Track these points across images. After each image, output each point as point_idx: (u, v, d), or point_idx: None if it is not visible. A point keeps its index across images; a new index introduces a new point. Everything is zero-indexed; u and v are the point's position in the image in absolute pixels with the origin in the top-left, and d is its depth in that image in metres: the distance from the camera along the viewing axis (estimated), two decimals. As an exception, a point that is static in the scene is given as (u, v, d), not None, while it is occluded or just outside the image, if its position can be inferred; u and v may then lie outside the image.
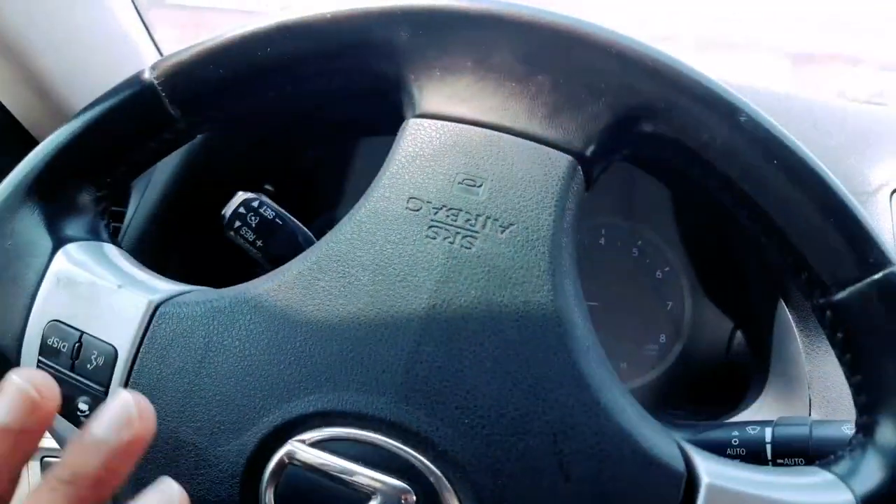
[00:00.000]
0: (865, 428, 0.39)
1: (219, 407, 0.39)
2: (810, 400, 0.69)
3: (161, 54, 1.01)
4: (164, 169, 0.73)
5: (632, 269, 0.90)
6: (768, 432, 0.56)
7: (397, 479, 0.36)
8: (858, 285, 0.38)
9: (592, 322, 0.83)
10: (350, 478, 0.36)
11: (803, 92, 0.78)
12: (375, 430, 0.37)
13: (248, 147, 0.78)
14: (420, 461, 0.37)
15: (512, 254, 0.39)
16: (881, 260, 0.38)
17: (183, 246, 0.75)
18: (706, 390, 0.85)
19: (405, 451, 0.37)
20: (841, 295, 0.38)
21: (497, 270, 0.39)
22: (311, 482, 0.37)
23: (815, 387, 0.68)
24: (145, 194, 0.73)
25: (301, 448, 0.37)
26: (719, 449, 0.56)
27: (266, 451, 0.38)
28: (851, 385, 0.40)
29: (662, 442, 0.38)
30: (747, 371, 0.80)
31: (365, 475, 0.36)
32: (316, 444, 0.37)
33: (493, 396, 0.37)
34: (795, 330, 0.69)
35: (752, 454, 0.55)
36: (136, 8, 0.94)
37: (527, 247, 0.39)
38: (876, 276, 0.37)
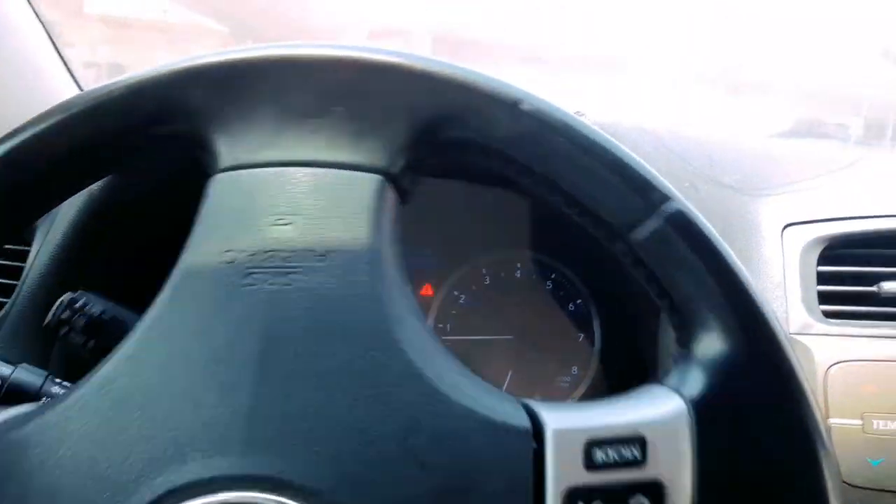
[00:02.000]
0: (682, 342, 0.43)
1: None
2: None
3: (79, 87, 1.01)
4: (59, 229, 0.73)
5: (546, 302, 0.93)
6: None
7: None
8: (648, 223, 0.42)
9: (507, 355, 0.85)
10: None
11: (699, 129, 0.81)
12: (229, 489, 0.37)
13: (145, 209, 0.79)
14: (281, 502, 0.37)
15: (334, 280, 0.40)
16: (660, 197, 0.42)
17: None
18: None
19: (265, 498, 0.37)
20: (635, 235, 0.42)
21: (322, 299, 0.40)
22: None
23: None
24: (40, 251, 0.73)
25: None
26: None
27: None
28: (662, 307, 0.44)
29: (504, 405, 0.40)
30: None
31: None
32: None
33: (338, 416, 0.38)
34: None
35: None
36: (50, 39, 0.93)
37: (346, 268, 0.40)
38: (658, 211, 0.41)
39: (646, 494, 0.38)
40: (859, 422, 0.64)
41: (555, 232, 0.91)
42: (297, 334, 0.39)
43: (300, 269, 0.40)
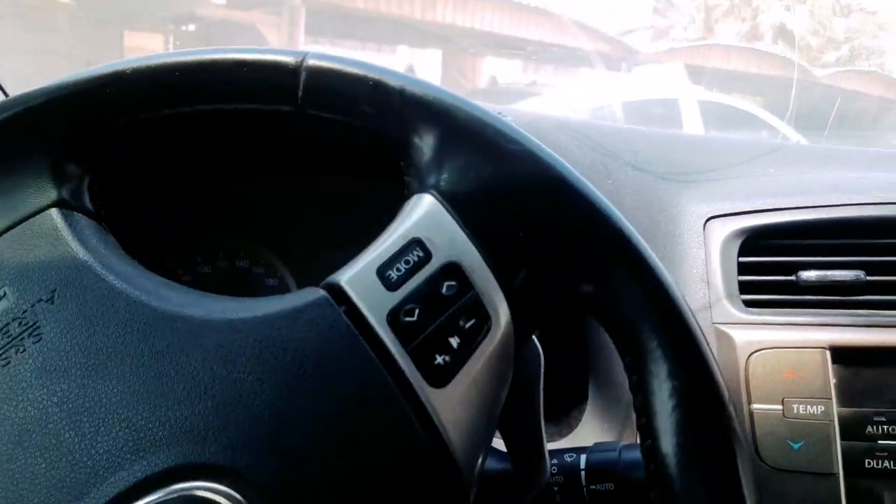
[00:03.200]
0: None
1: None
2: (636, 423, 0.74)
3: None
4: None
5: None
6: (583, 459, 0.61)
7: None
8: None
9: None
10: None
11: (624, 123, 0.84)
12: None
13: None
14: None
15: None
16: None
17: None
18: (552, 411, 0.90)
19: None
20: None
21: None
22: None
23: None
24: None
25: None
26: (541, 477, 0.61)
27: None
28: None
29: (302, 297, 0.42)
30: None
31: None
32: None
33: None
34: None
35: (570, 480, 0.60)
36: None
37: None
38: None
39: (449, 279, 0.41)
40: (780, 407, 0.68)
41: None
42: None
43: None
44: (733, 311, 0.72)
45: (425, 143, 0.45)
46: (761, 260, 0.75)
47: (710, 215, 0.77)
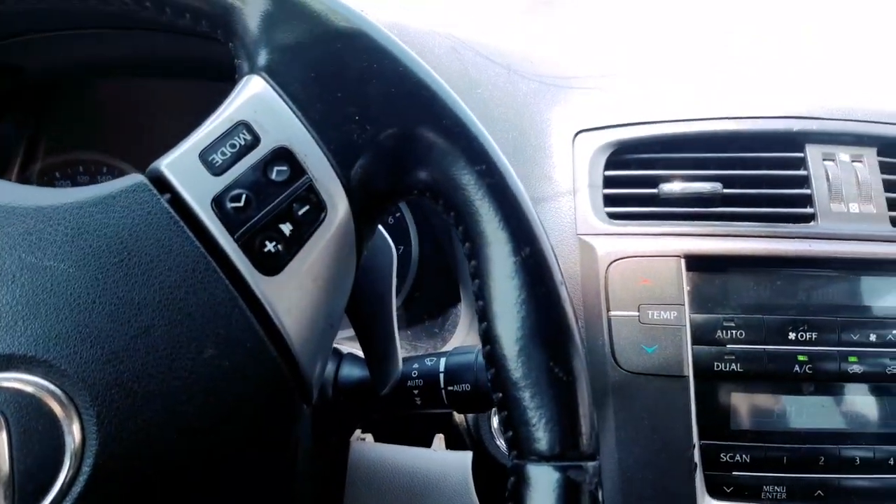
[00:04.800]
0: None
1: None
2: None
3: None
4: None
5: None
6: (442, 362, 0.62)
7: None
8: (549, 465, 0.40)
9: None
10: None
11: (496, 37, 0.84)
12: None
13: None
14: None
15: None
16: (577, 452, 0.40)
17: None
18: (428, 325, 0.92)
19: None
20: (531, 468, 0.40)
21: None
22: None
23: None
24: None
25: None
26: (404, 380, 0.63)
27: None
28: None
29: (125, 182, 0.41)
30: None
31: None
32: None
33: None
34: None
35: (429, 382, 0.62)
36: None
37: None
38: (566, 463, 0.40)
39: (280, 164, 0.41)
40: (636, 313, 0.71)
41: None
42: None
43: None
44: (597, 223, 0.75)
45: (251, 20, 0.43)
46: (626, 174, 0.77)
47: (578, 129, 0.78)
